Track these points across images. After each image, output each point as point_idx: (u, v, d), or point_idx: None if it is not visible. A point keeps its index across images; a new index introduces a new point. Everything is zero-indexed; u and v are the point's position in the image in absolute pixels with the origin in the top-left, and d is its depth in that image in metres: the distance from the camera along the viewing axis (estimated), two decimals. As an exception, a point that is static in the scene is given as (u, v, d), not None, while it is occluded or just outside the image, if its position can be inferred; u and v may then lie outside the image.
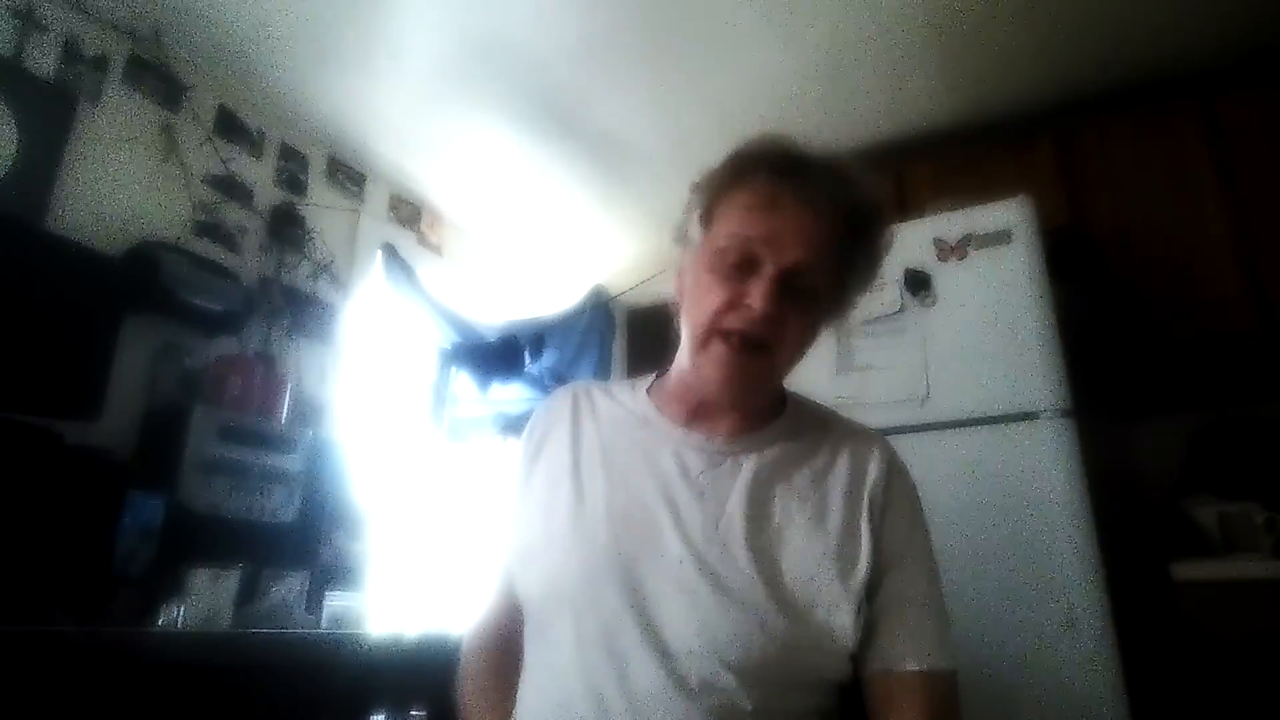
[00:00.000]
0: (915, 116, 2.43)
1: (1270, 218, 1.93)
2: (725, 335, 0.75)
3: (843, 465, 0.79)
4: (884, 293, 1.85)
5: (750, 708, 0.67)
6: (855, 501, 0.77)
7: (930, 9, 1.99)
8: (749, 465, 0.79)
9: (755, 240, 0.75)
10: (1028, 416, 1.62)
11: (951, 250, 1.81)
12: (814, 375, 1.83)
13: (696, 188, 0.83)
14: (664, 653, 0.69)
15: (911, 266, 1.83)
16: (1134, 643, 1.49)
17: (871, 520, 0.76)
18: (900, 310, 1.82)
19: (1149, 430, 2.18)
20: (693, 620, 0.69)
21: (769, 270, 0.74)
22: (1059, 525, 1.53)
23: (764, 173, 0.77)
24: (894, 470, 0.80)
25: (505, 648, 0.85)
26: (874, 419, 1.79)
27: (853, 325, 1.86)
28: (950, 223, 1.84)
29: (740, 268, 0.75)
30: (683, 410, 0.84)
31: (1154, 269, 2.02)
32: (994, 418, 1.65)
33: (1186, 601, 1.62)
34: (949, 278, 1.80)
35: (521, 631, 0.82)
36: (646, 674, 0.68)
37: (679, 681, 0.68)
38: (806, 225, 0.75)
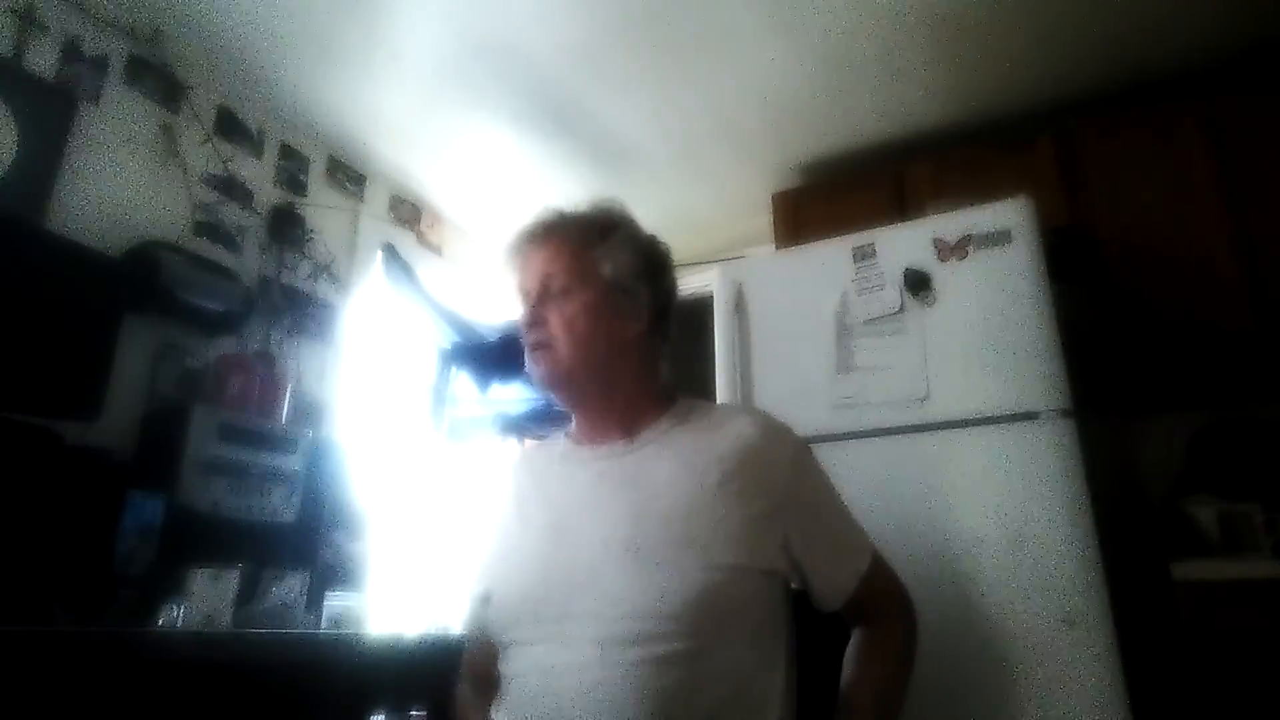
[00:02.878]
0: (915, 117, 2.43)
1: (1270, 218, 1.93)
2: (529, 349, 0.98)
3: (722, 434, 0.93)
4: (884, 293, 1.85)
5: (685, 649, 0.78)
6: (737, 458, 0.90)
7: (930, 9, 1.99)
8: (645, 454, 0.94)
9: (519, 287, 1.02)
10: (1028, 416, 1.62)
11: (951, 250, 1.81)
12: (814, 375, 1.83)
13: None
14: (603, 619, 0.80)
15: (911, 266, 1.83)
16: (1134, 642, 1.49)
17: (755, 471, 0.89)
18: (900, 310, 1.82)
19: (1149, 430, 2.18)
20: (622, 587, 0.81)
21: (523, 297, 1.00)
22: (1059, 525, 1.53)
23: (511, 249, 1.04)
24: (767, 430, 0.95)
25: (487, 674, 0.95)
26: (874, 419, 1.81)
27: (853, 325, 1.86)
28: (950, 223, 1.83)
29: (523, 305, 1.00)
30: (585, 435, 1.01)
31: (1154, 269, 2.02)
32: (994, 418, 1.65)
33: (1186, 601, 1.62)
34: (949, 278, 1.80)
35: (496, 662, 0.92)
36: (592, 644, 0.79)
37: (619, 639, 0.79)
38: (532, 256, 1.00)
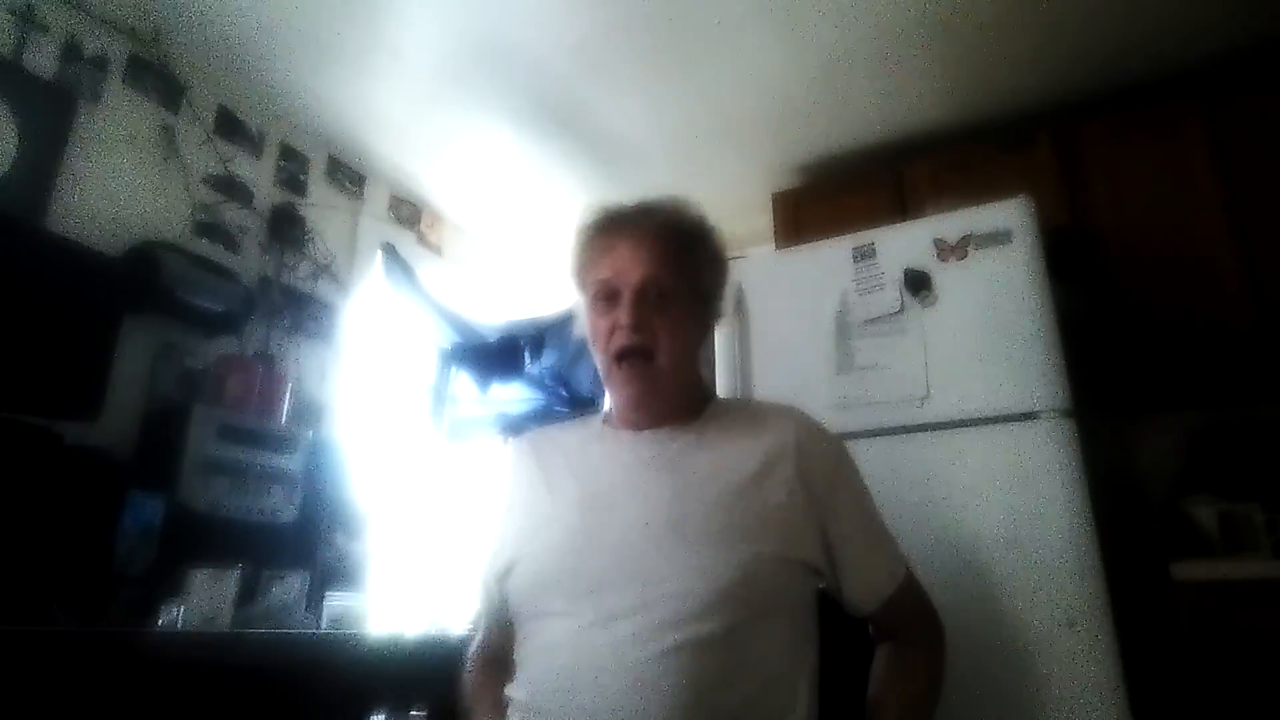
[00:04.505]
0: (915, 117, 2.43)
1: (1270, 218, 1.93)
2: (618, 359, 0.93)
3: (763, 428, 0.95)
4: (884, 293, 1.85)
5: (724, 633, 0.78)
6: (778, 450, 0.91)
7: (930, 9, 1.99)
8: (687, 441, 0.94)
9: (609, 279, 0.95)
10: (1028, 416, 1.62)
11: (951, 250, 1.81)
12: (814, 375, 1.83)
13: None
14: (644, 603, 0.79)
15: (911, 266, 1.83)
16: (1134, 642, 1.49)
17: (795, 463, 0.90)
18: (900, 310, 1.82)
19: (1149, 430, 2.18)
20: (663, 567, 0.81)
21: (626, 294, 0.93)
22: (1059, 525, 1.53)
23: (597, 231, 1.00)
24: (807, 425, 0.96)
25: (501, 660, 0.94)
26: (874, 419, 1.81)
27: (853, 325, 1.86)
28: (950, 223, 1.83)
29: (608, 301, 0.95)
30: (625, 424, 1.00)
31: (1154, 269, 2.02)
32: (994, 418, 1.65)
33: (1186, 601, 1.62)
34: (949, 278, 1.80)
35: (511, 646, 0.91)
36: (630, 623, 0.79)
37: (659, 620, 0.78)
38: (638, 250, 0.95)
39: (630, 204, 1.01)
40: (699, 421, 0.97)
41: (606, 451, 0.98)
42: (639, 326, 0.92)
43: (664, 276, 0.94)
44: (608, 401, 1.05)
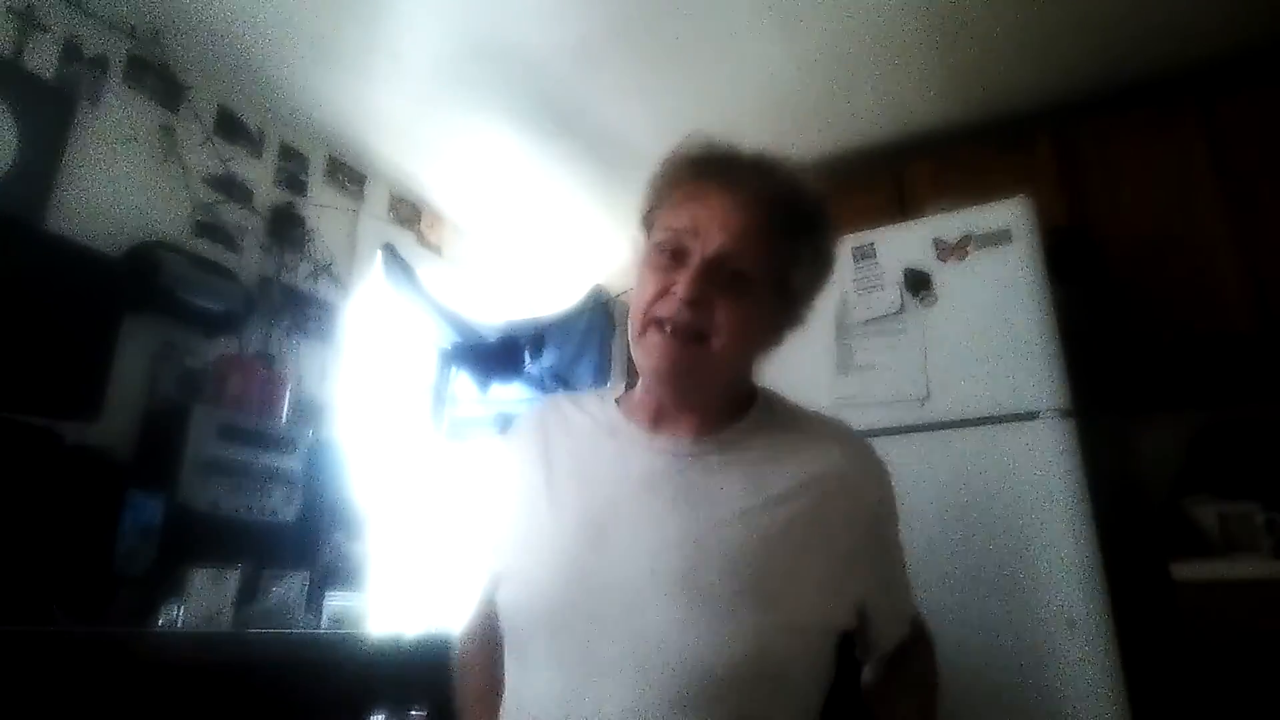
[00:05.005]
0: (915, 116, 2.42)
1: (1270, 218, 1.93)
2: (659, 324, 0.76)
3: (805, 455, 0.78)
4: (884, 293, 1.85)
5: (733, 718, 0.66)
6: (820, 489, 0.75)
7: (930, 9, 1.99)
8: (712, 463, 0.77)
9: (683, 232, 0.77)
10: (1028, 416, 1.62)
11: (951, 250, 1.81)
12: (814, 375, 1.83)
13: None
14: (641, 667, 0.67)
15: (911, 266, 1.83)
16: (1134, 642, 1.49)
17: (839, 506, 0.76)
18: (900, 310, 1.82)
19: (1149, 430, 2.18)
20: (669, 632, 0.67)
21: (695, 258, 0.75)
22: (1059, 525, 1.53)
23: (690, 170, 0.81)
24: (858, 458, 0.80)
25: (495, 647, 0.84)
26: (874, 419, 1.80)
27: (853, 325, 1.86)
28: (950, 223, 1.83)
29: (674, 257, 0.77)
30: (646, 417, 0.83)
31: (1154, 269, 2.02)
32: (994, 418, 1.65)
33: (1186, 601, 1.62)
34: (949, 278, 1.80)
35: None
36: (624, 691, 0.67)
37: (658, 697, 0.66)
38: (730, 214, 0.76)
39: (743, 150, 0.82)
40: (730, 433, 0.80)
41: (617, 454, 0.81)
42: (697, 303, 0.74)
43: (748, 255, 0.75)
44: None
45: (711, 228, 0.75)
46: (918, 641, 0.87)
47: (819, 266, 0.83)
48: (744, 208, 0.77)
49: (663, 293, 0.76)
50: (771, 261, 0.77)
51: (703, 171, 0.80)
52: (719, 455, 0.78)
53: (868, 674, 0.85)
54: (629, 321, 0.80)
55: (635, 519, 0.74)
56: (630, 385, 0.89)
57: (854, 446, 0.81)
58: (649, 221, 0.83)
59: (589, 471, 0.82)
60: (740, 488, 0.75)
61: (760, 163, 0.81)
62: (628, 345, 0.83)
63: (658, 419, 0.82)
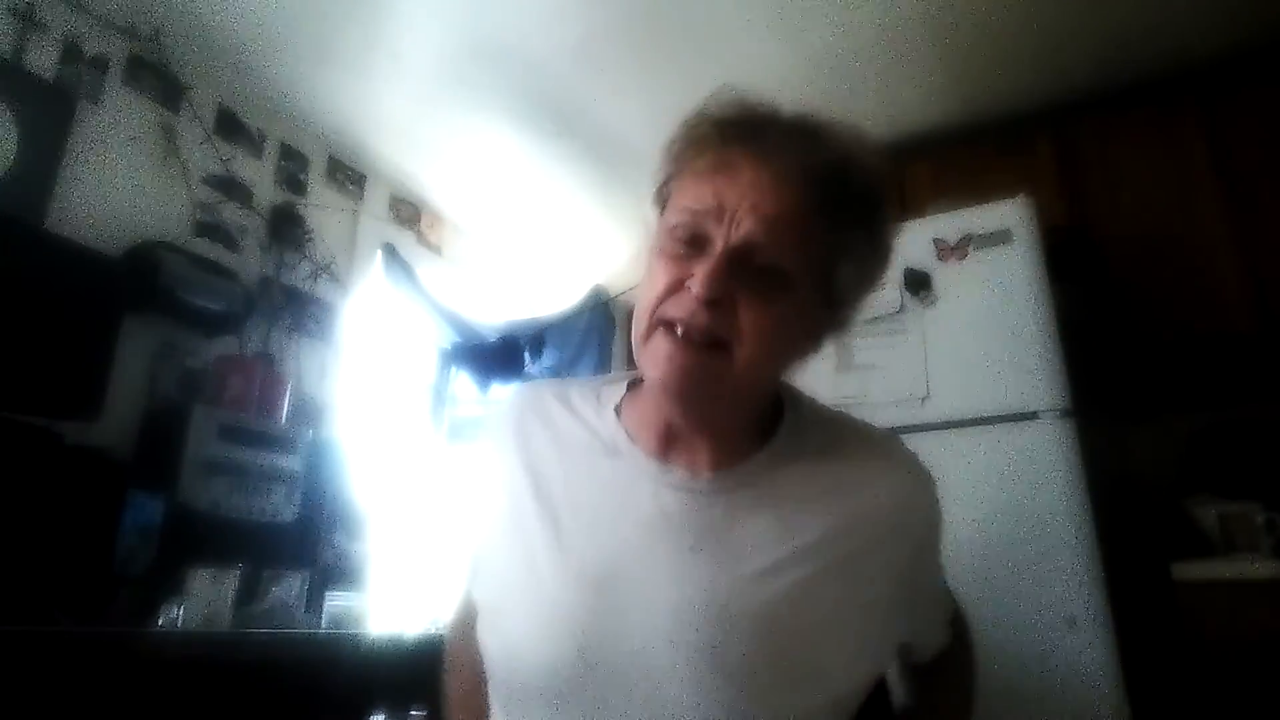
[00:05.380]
0: (915, 116, 2.42)
1: (1270, 218, 1.93)
2: (669, 327, 0.61)
3: (848, 488, 0.66)
4: (884, 293, 1.85)
5: None
6: (867, 532, 0.64)
7: (930, 9, 1.99)
8: (737, 500, 0.64)
9: (704, 213, 0.61)
10: (1028, 416, 1.62)
11: (951, 250, 1.81)
12: (814, 375, 1.82)
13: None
14: None
15: (911, 266, 1.83)
16: (1134, 643, 1.49)
17: (887, 547, 0.65)
18: (900, 310, 1.82)
19: (1149, 430, 2.18)
20: (692, 711, 0.58)
21: (717, 247, 0.60)
22: (1059, 525, 1.53)
23: (716, 134, 0.64)
24: (909, 488, 0.69)
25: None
26: (874, 419, 1.78)
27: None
28: (950, 223, 1.84)
29: (692, 245, 0.62)
30: (654, 437, 0.68)
31: (1154, 269, 2.02)
32: (994, 418, 1.65)
33: (1186, 601, 1.62)
34: (949, 278, 1.80)
35: None
36: None
37: None
38: (764, 192, 0.60)
39: (783, 111, 0.66)
40: (755, 464, 0.66)
41: (621, 484, 0.67)
42: (717, 302, 0.59)
43: (784, 244, 0.60)
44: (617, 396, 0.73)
45: (740, 209, 0.60)
46: (956, 650, 0.78)
47: (873, 261, 0.67)
48: (782, 184, 0.61)
49: (676, 288, 0.61)
50: (814, 252, 0.62)
51: (732, 136, 0.64)
52: (743, 492, 0.65)
53: (900, 689, 0.76)
54: (634, 321, 0.65)
55: (648, 573, 0.62)
56: (634, 384, 0.74)
57: (905, 476, 0.69)
58: (663, 196, 0.68)
59: (586, 501, 0.67)
60: (770, 535, 0.62)
61: (804, 126, 0.65)
62: (627, 345, 0.69)
63: (668, 442, 0.67)
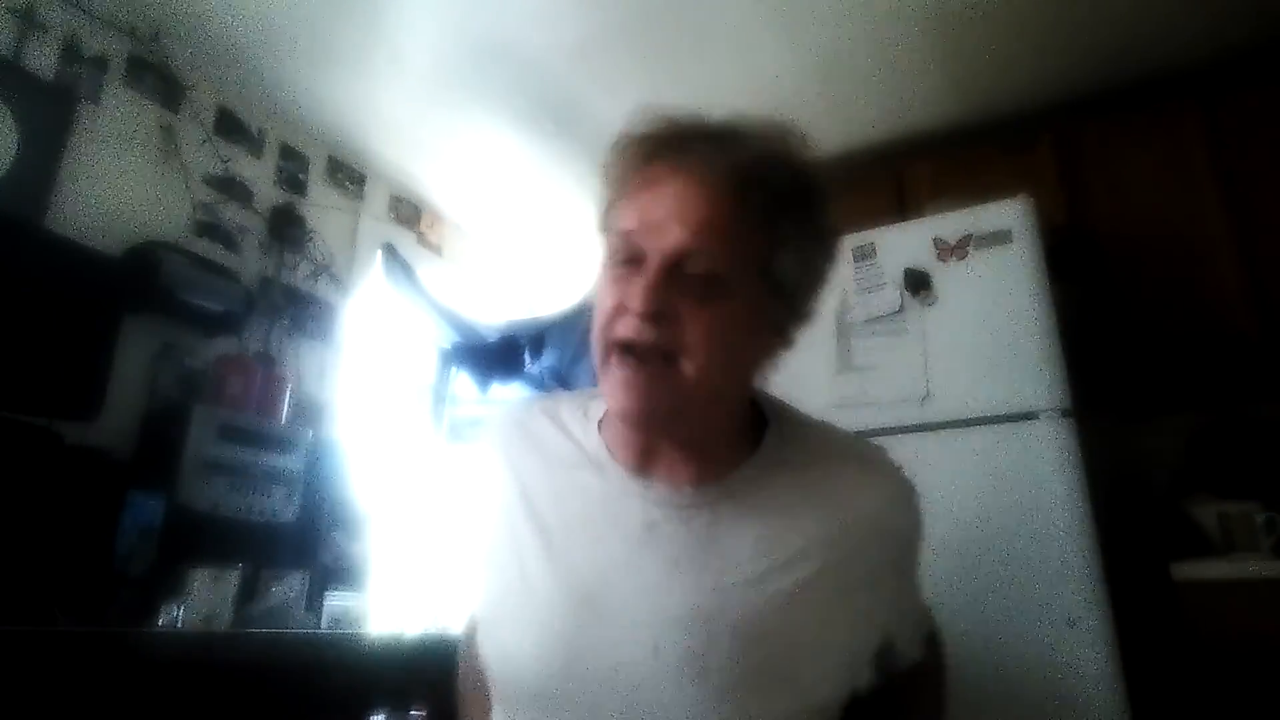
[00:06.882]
0: (914, 117, 2.42)
1: (1270, 218, 1.93)
2: (621, 352, 0.62)
3: (829, 497, 0.67)
4: (884, 293, 1.85)
5: None
6: (848, 542, 0.66)
7: (930, 9, 1.99)
8: (720, 513, 0.65)
9: (636, 232, 0.63)
10: (1028, 416, 1.62)
11: (951, 250, 1.81)
12: (814, 375, 1.83)
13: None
14: None
15: (911, 266, 1.83)
16: (1134, 642, 1.49)
17: (867, 555, 0.67)
18: (900, 310, 1.82)
19: (1149, 430, 2.18)
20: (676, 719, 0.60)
21: (651, 261, 0.61)
22: (1059, 525, 1.53)
23: (641, 153, 0.66)
24: (890, 496, 0.70)
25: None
26: (874, 419, 1.81)
27: (853, 325, 1.86)
28: (950, 223, 1.84)
29: (629, 265, 0.63)
30: (633, 454, 0.69)
31: (1154, 269, 2.02)
32: (994, 418, 1.65)
33: (1186, 601, 1.62)
34: (949, 278, 1.80)
35: None
36: None
37: None
38: (686, 202, 0.62)
39: (703, 120, 0.67)
40: (737, 478, 0.67)
41: (606, 499, 0.68)
42: (657, 315, 0.60)
43: (715, 249, 0.61)
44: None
45: (666, 219, 0.61)
46: (929, 668, 0.79)
47: (814, 247, 0.67)
48: (703, 191, 0.62)
49: (621, 309, 0.62)
50: (748, 252, 0.62)
51: (653, 153, 0.65)
52: (726, 504, 0.66)
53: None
54: (595, 357, 0.66)
55: (632, 586, 0.64)
56: None
57: (887, 485, 0.71)
58: (605, 222, 0.69)
59: (575, 515, 0.69)
60: (752, 546, 0.64)
61: (721, 133, 0.66)
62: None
63: (648, 457, 0.68)
